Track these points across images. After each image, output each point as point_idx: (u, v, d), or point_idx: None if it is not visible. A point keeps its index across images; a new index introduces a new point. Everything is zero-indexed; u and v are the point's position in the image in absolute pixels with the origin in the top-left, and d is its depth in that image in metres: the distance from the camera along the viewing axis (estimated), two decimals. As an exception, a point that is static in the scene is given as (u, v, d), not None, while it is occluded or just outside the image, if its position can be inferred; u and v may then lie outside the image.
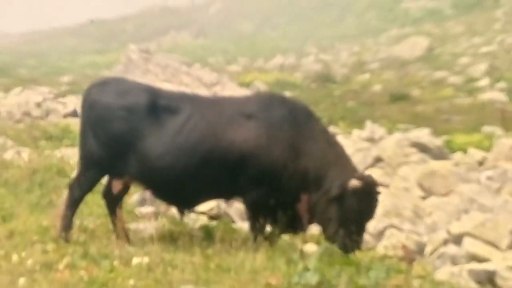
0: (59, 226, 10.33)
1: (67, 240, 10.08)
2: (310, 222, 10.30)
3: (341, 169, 10.24)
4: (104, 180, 11.36)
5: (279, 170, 10.19)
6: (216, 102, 11.19)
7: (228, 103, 11.00)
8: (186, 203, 10.96)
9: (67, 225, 10.35)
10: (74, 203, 10.55)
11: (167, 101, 10.55)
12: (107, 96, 10.61)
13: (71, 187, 10.71)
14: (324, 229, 10.41)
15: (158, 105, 10.44)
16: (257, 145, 10.18)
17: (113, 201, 10.71)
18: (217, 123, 10.32)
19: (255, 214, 10.46)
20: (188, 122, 10.29)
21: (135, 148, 10.31)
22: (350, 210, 10.01)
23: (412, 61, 44.52)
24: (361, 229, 10.19)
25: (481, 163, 20.63)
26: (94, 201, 12.38)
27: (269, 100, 10.81)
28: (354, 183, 9.89)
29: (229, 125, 10.28)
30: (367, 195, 10.06)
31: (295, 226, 10.24)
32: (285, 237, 11.16)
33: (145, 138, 10.30)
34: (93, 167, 10.65)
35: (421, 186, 16.52)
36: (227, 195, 11.12)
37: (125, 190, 10.96)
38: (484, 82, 36.70)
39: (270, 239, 10.35)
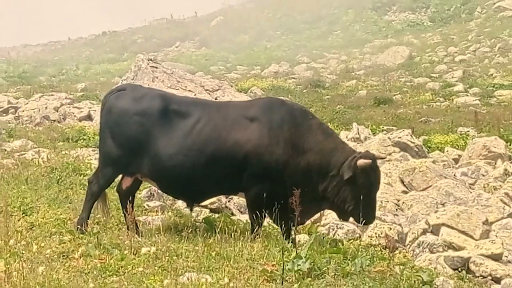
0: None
1: (83, 231, 10.07)
2: (302, 215, 10.26)
3: (341, 153, 10.41)
4: (119, 177, 11.38)
5: (281, 167, 10.26)
6: (222, 107, 11.30)
7: (232, 108, 11.13)
8: (194, 198, 11.03)
9: (85, 217, 10.45)
10: (92, 197, 10.66)
11: (178, 106, 10.66)
12: (124, 102, 10.73)
13: (90, 182, 10.83)
14: (340, 210, 10.61)
15: (170, 110, 10.54)
16: (259, 145, 10.24)
17: (125, 196, 10.70)
18: (223, 125, 10.41)
19: (256, 208, 10.45)
20: (196, 125, 10.37)
21: (148, 149, 10.38)
22: (362, 186, 10.19)
23: (394, 68, 44.48)
24: (373, 200, 10.44)
25: (456, 160, 20.63)
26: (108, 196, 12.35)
27: (269, 104, 10.86)
28: (362, 161, 10.09)
29: (233, 127, 10.37)
30: (372, 170, 10.32)
31: (290, 218, 10.18)
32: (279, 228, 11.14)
33: (158, 139, 10.39)
34: (110, 165, 10.75)
35: (402, 181, 16.51)
36: (232, 191, 11.22)
37: (136, 186, 10.99)
38: (459, 87, 36.68)
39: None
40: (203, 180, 10.45)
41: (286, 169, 10.28)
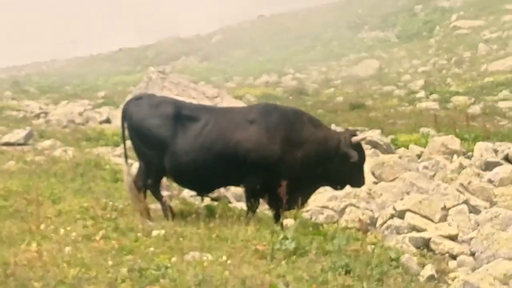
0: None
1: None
2: (302, 198, 10.43)
3: (333, 137, 10.65)
4: (135, 169, 11.44)
5: (277, 161, 10.32)
6: (226, 112, 11.46)
7: (234, 112, 11.27)
8: (204, 189, 11.17)
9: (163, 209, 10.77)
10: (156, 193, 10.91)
11: (188, 111, 10.79)
12: (142, 108, 10.76)
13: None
14: (339, 182, 11.00)
15: (182, 115, 10.62)
16: (258, 143, 10.34)
17: (141, 187, 10.76)
18: (227, 127, 10.52)
19: (252, 197, 10.59)
20: (205, 128, 10.48)
21: (166, 147, 10.45)
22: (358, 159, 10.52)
23: (366, 78, 44.47)
24: (363, 167, 10.94)
25: (419, 156, 20.60)
26: (123, 187, 12.33)
27: (265, 109, 11.02)
28: (356, 138, 10.61)
29: (236, 129, 10.48)
30: (359, 144, 10.71)
31: (280, 205, 10.23)
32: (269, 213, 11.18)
33: (173, 140, 10.47)
34: (145, 160, 10.91)
35: (373, 173, 16.50)
36: (234, 183, 11.29)
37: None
38: (421, 94, 36.68)
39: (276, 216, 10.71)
40: (212, 174, 10.53)
41: (284, 162, 10.37)
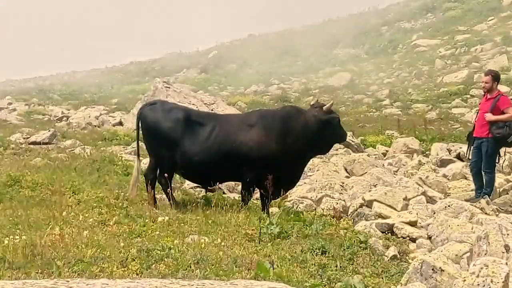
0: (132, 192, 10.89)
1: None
2: (276, 193, 10.41)
3: (310, 117, 10.79)
4: (145, 164, 11.44)
5: (275, 158, 10.36)
6: (229, 118, 11.48)
7: (236, 118, 11.39)
8: (208, 183, 11.06)
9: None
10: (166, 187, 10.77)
11: (196, 117, 10.79)
12: (156, 113, 10.73)
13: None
14: (324, 150, 11.78)
15: (191, 120, 10.61)
16: (258, 143, 10.37)
17: (150, 180, 10.75)
18: (231, 131, 10.53)
19: (248, 189, 10.63)
20: (213, 132, 10.47)
21: (178, 148, 10.40)
22: (335, 123, 11.02)
23: (340, 88, 44.43)
24: (340, 125, 11.27)
25: (384, 154, 20.67)
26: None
27: (261, 114, 11.12)
28: (326, 106, 10.87)
29: (239, 132, 10.49)
30: (331, 110, 10.98)
31: (267, 195, 10.28)
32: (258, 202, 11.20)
33: (184, 141, 10.44)
34: (156, 158, 10.91)
35: (346, 169, 16.53)
36: (234, 178, 11.40)
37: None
38: (386, 102, 36.68)
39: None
40: (216, 170, 10.53)
41: (284, 156, 10.42)
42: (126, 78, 61.49)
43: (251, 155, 10.34)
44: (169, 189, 10.64)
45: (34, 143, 18.74)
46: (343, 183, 14.34)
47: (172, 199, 10.68)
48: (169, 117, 10.66)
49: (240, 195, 11.09)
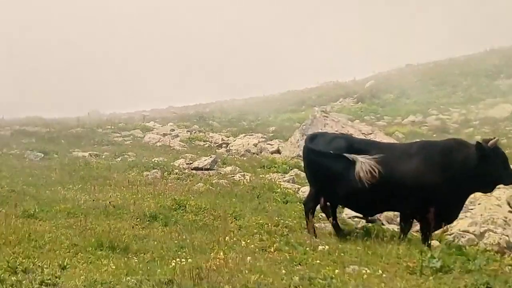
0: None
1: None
2: (436, 226, 10.10)
3: (471, 153, 10.22)
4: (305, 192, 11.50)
5: (434, 190, 9.98)
6: (389, 147, 11.14)
7: (396, 148, 11.01)
8: (369, 212, 11.14)
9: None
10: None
11: (359, 146, 10.61)
12: (318, 145, 10.74)
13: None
14: (487, 186, 10.63)
15: (354, 149, 10.44)
16: (418, 174, 10.02)
17: (310, 209, 10.80)
18: (391, 160, 10.24)
19: (406, 220, 10.40)
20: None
21: (341, 178, 10.30)
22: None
23: (501, 120, 42.72)
24: (508, 166, 10.43)
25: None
26: (292, 208, 12.45)
27: (423, 144, 10.80)
28: (492, 142, 10.19)
29: (400, 161, 10.22)
30: (497, 147, 10.29)
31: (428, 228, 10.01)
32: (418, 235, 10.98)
33: (347, 171, 10.24)
34: (315, 188, 10.93)
35: (509, 203, 15.86)
36: (393, 208, 11.02)
37: (318, 203, 10.92)
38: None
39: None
40: (377, 200, 10.35)
41: (443, 188, 9.99)
42: (282, 107, 62.35)
43: (411, 187, 10.10)
44: (331, 219, 10.64)
45: (196, 168, 19.38)
46: (506, 217, 13.75)
47: (336, 228, 10.70)
48: (330, 149, 10.64)
49: (399, 227, 10.90)
